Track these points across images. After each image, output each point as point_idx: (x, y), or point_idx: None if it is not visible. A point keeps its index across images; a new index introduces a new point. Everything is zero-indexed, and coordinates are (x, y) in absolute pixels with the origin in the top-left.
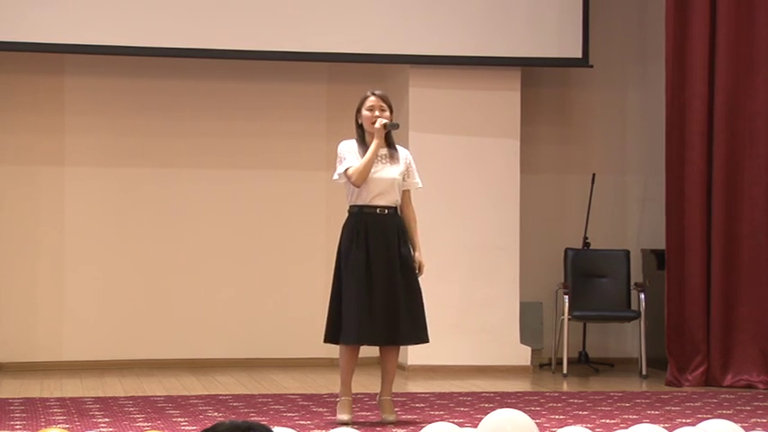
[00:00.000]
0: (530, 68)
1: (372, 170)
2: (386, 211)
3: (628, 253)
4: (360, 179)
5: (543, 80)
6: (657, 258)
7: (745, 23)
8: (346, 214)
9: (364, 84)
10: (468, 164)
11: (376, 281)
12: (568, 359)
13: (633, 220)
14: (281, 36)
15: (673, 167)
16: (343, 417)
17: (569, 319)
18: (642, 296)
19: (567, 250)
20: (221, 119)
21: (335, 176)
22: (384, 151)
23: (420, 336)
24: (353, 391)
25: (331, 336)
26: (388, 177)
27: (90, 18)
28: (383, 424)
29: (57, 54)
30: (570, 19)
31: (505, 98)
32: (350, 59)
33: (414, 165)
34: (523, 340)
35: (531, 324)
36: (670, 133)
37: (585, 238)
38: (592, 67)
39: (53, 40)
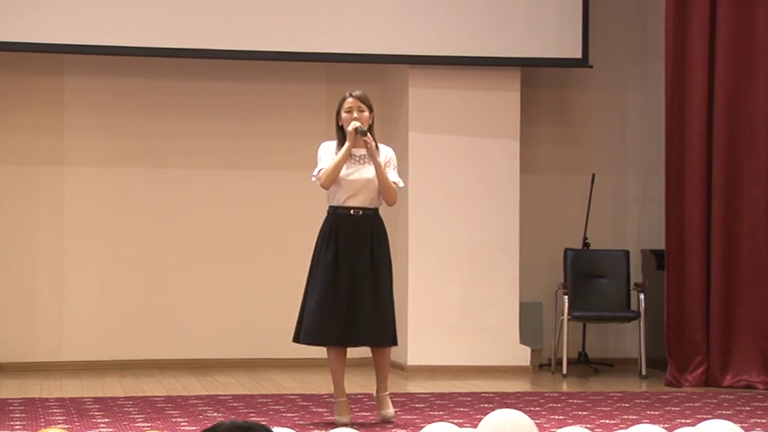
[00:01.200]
0: (529, 69)
1: (347, 171)
2: (360, 212)
3: (627, 253)
4: (327, 182)
5: (543, 80)
6: (657, 258)
7: (745, 23)
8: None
9: (364, 84)
10: (468, 164)
11: (341, 282)
12: (568, 359)
13: (633, 221)
14: (281, 36)
15: (672, 167)
16: (342, 418)
17: (569, 320)
18: (642, 296)
19: (566, 250)
20: (221, 119)
21: (312, 178)
22: (362, 152)
23: (384, 338)
24: (352, 392)
25: (296, 335)
26: (363, 178)
27: (89, 18)
28: (383, 423)
29: (56, 54)
30: (570, 19)
31: (505, 98)
32: (349, 60)
33: (395, 162)
34: (523, 340)
35: (531, 324)
36: (670, 133)
37: (585, 238)
38: (592, 67)
39: (52, 41)
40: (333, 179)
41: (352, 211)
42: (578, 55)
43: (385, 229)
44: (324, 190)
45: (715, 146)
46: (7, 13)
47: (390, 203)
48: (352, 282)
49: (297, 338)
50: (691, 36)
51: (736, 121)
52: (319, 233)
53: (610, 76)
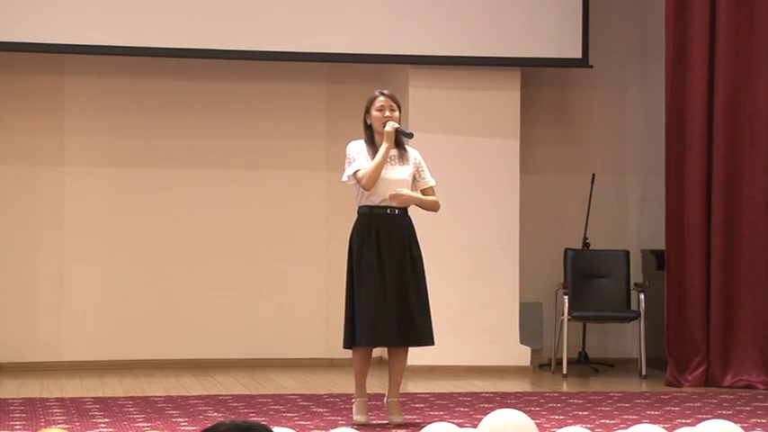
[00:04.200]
0: (530, 68)
1: (382, 171)
2: (396, 211)
3: (627, 253)
4: (370, 183)
5: (543, 80)
6: (657, 259)
7: (745, 23)
8: (354, 215)
9: (364, 84)
10: (468, 164)
11: (388, 283)
12: (568, 359)
13: (633, 221)
14: (281, 36)
15: (672, 167)
16: (360, 418)
17: (569, 320)
18: (642, 296)
19: (566, 250)
20: (221, 119)
21: (344, 178)
22: (394, 152)
23: (429, 337)
24: (352, 392)
25: (348, 340)
26: (399, 178)
27: (90, 18)
28: (387, 426)
29: (57, 54)
30: (570, 19)
31: (505, 98)
32: (350, 60)
33: (424, 164)
34: (523, 340)
35: (531, 324)
36: (670, 133)
37: (585, 238)
38: (592, 67)
39: (53, 41)
40: (375, 180)
41: (388, 211)
42: (578, 55)
43: (415, 229)
44: (355, 190)
45: (715, 146)
46: (7, 13)
47: (437, 210)
48: (397, 281)
49: (351, 343)
50: (691, 36)
51: (736, 121)
52: (354, 233)
53: (610, 76)
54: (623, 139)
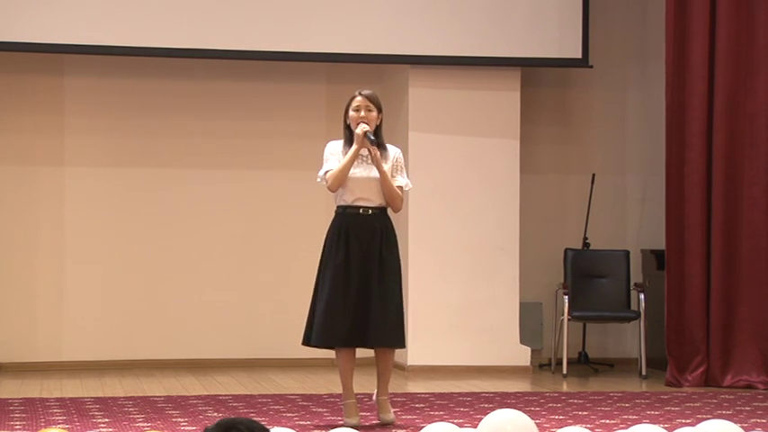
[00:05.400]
0: (530, 68)
1: (354, 170)
2: (369, 211)
3: (627, 253)
4: (334, 185)
5: (543, 80)
6: (657, 258)
7: (745, 23)
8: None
9: (364, 84)
10: (468, 164)
11: (351, 283)
12: (568, 359)
13: (633, 221)
14: (281, 36)
15: (672, 167)
16: (351, 420)
17: (569, 320)
18: (642, 296)
19: (566, 250)
20: (221, 119)
21: (318, 179)
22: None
23: (391, 340)
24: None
25: (305, 337)
26: (371, 177)
27: (90, 18)
28: (382, 425)
29: (56, 54)
30: (570, 19)
31: (505, 98)
32: (349, 60)
33: (402, 164)
34: (523, 340)
35: (531, 324)
36: (670, 133)
37: (585, 238)
38: (592, 67)
39: (53, 41)
40: (340, 182)
41: (361, 211)
42: (578, 55)
43: (394, 229)
44: (330, 192)
45: (715, 146)
46: (7, 13)
47: (396, 210)
48: (361, 282)
49: (307, 341)
50: (691, 36)
51: (736, 121)
52: (328, 233)
53: (610, 76)
54: (623, 139)
